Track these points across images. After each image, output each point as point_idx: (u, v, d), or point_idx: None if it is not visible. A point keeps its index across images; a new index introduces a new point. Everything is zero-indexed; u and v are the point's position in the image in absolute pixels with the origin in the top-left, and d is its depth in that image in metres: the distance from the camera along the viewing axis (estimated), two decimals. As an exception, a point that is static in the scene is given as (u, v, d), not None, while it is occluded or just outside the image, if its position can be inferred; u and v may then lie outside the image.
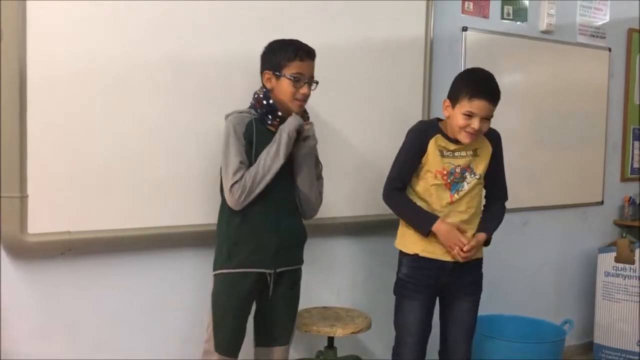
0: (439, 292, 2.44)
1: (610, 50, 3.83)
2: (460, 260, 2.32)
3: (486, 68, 3.18)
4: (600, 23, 3.80)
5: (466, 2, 3.23)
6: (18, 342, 2.20)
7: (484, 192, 2.47)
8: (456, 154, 2.35)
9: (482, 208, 2.47)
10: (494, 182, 2.46)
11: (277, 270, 2.23)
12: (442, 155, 2.34)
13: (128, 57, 2.28)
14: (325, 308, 2.75)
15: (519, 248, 3.55)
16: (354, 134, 2.80)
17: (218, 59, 2.44)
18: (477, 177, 2.37)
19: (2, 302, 2.16)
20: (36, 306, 2.23)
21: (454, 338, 2.44)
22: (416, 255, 2.37)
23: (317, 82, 2.25)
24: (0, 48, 2.06)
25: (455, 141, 2.34)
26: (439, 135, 2.35)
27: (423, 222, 2.33)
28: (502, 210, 2.51)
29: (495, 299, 3.42)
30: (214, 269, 2.25)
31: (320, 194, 2.36)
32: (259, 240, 2.20)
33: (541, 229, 3.63)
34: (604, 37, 3.82)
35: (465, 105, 2.25)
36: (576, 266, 3.83)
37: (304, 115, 2.28)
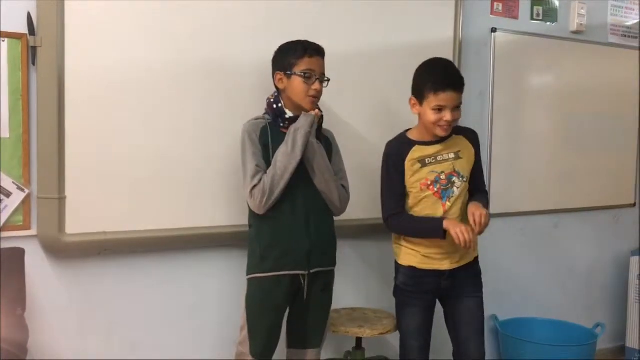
0: (441, 295, 2.43)
1: (642, 50, 3.78)
2: (471, 241, 2.16)
3: (516, 69, 3.14)
4: (632, 22, 3.74)
5: (495, 3, 3.22)
6: (56, 341, 2.25)
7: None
8: (439, 157, 2.31)
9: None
10: (476, 178, 2.41)
11: (311, 272, 2.23)
12: (425, 165, 2.30)
13: (163, 62, 2.33)
14: (353, 309, 2.76)
15: (550, 250, 3.51)
16: (382, 136, 2.81)
17: (249, 64, 2.47)
18: (465, 179, 2.34)
19: (41, 301, 2.22)
20: (74, 305, 2.29)
21: (466, 337, 2.41)
22: (412, 267, 2.37)
23: (328, 79, 2.24)
24: (38, 53, 2.13)
25: (433, 142, 2.31)
26: (415, 147, 2.32)
27: (433, 228, 2.27)
28: (487, 196, 2.45)
29: (526, 302, 3.40)
30: (248, 273, 2.25)
31: (344, 187, 2.32)
32: (291, 242, 2.20)
33: (572, 231, 3.59)
34: (636, 37, 3.76)
35: (432, 100, 2.21)
36: (608, 269, 3.78)
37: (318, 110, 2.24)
